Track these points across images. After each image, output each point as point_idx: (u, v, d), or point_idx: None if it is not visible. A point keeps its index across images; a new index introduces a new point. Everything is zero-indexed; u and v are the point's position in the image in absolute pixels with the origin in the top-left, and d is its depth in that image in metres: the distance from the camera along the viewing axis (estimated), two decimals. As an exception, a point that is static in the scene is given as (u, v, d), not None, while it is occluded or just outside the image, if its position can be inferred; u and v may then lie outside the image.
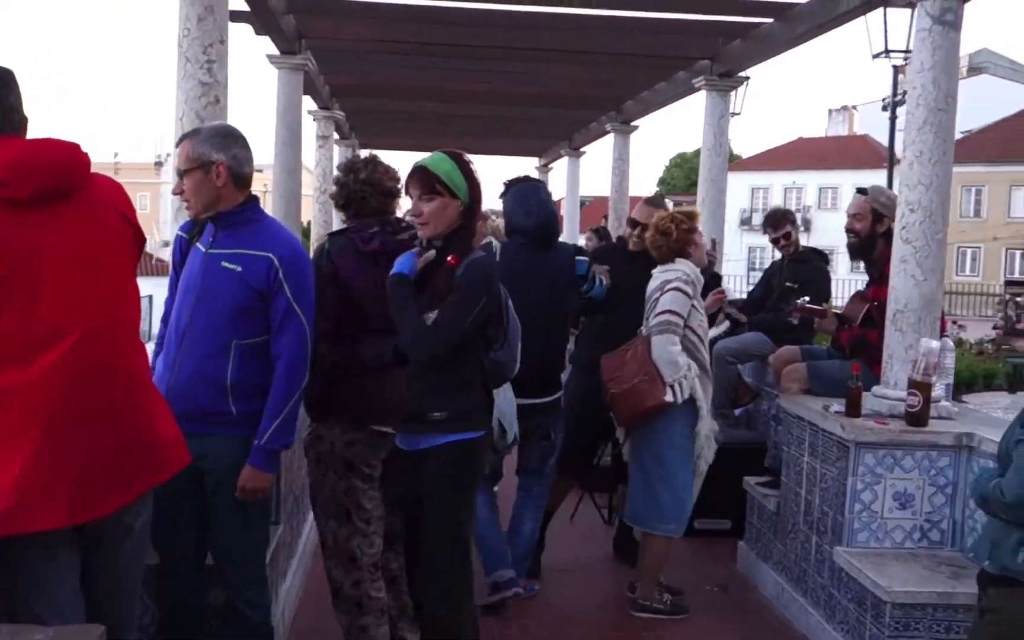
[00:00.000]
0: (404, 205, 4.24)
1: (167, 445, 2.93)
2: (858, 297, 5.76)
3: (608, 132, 12.37)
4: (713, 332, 7.35)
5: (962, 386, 16.36)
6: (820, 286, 6.96)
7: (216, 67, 4.81)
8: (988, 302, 39.00)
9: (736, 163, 58.14)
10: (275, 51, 8.21)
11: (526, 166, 22.97)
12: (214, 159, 3.43)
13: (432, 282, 3.56)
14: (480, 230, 6.66)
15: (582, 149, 15.40)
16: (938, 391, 5.08)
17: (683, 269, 5.23)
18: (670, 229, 5.25)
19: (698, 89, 8.69)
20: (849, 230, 5.61)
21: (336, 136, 15.07)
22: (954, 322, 18.78)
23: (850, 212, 5.63)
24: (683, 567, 5.97)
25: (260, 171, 10.60)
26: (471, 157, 3.76)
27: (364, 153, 4.35)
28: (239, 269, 3.45)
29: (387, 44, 9.07)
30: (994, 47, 78.08)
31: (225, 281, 3.45)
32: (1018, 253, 49.58)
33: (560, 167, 17.03)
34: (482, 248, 4.34)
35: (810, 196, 57.11)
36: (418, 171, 3.57)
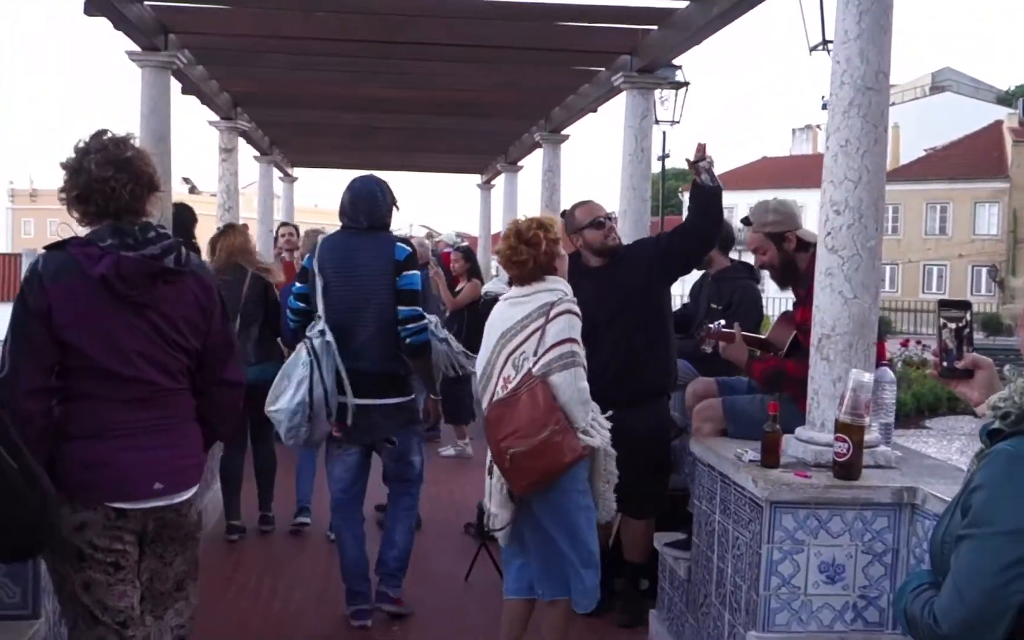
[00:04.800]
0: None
1: None
2: (785, 319, 4.82)
3: (538, 142, 11.42)
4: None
5: (925, 411, 15.45)
6: (748, 307, 6.05)
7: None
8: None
9: (700, 182, 57.60)
10: (135, 47, 7.19)
11: (467, 184, 22.14)
12: None
13: None
14: None
15: (519, 163, 14.45)
16: (874, 434, 4.14)
17: (561, 287, 4.29)
18: (538, 238, 4.28)
19: (617, 87, 7.75)
20: (761, 267, 4.79)
21: (256, 153, 14.12)
22: (918, 342, 17.96)
23: (750, 248, 4.78)
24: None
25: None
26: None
27: (116, 131, 3.32)
28: None
29: (274, 41, 8.10)
30: (956, 65, 78.27)
31: None
32: (984, 270, 49.47)
33: (500, 184, 16.07)
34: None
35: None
36: None
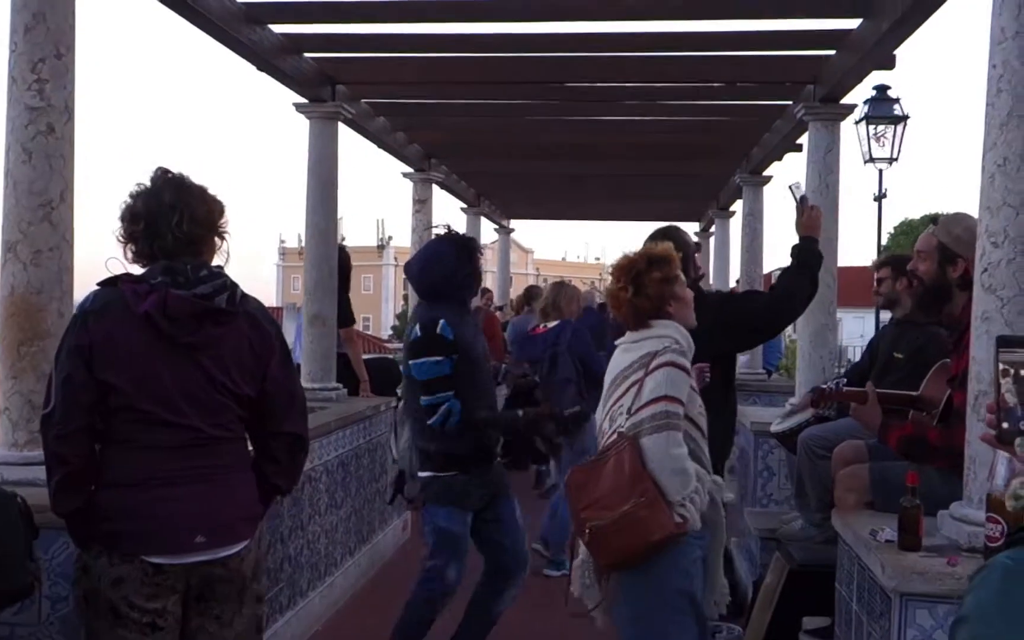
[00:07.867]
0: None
1: None
2: (942, 370, 4.10)
3: (738, 185, 10.81)
4: (798, 418, 5.80)
5: None
6: (935, 359, 5.24)
7: (49, 88, 3.85)
8: None
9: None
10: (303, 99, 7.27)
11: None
12: None
13: None
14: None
15: (731, 208, 13.79)
16: (1045, 513, 3.39)
17: (671, 333, 3.69)
18: (644, 276, 3.72)
19: (799, 118, 7.11)
20: (911, 272, 4.02)
21: (462, 205, 14.19)
22: None
23: (915, 249, 4.05)
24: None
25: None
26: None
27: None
28: None
29: (451, 88, 8.03)
30: None
31: None
32: None
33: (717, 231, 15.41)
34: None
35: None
36: None
